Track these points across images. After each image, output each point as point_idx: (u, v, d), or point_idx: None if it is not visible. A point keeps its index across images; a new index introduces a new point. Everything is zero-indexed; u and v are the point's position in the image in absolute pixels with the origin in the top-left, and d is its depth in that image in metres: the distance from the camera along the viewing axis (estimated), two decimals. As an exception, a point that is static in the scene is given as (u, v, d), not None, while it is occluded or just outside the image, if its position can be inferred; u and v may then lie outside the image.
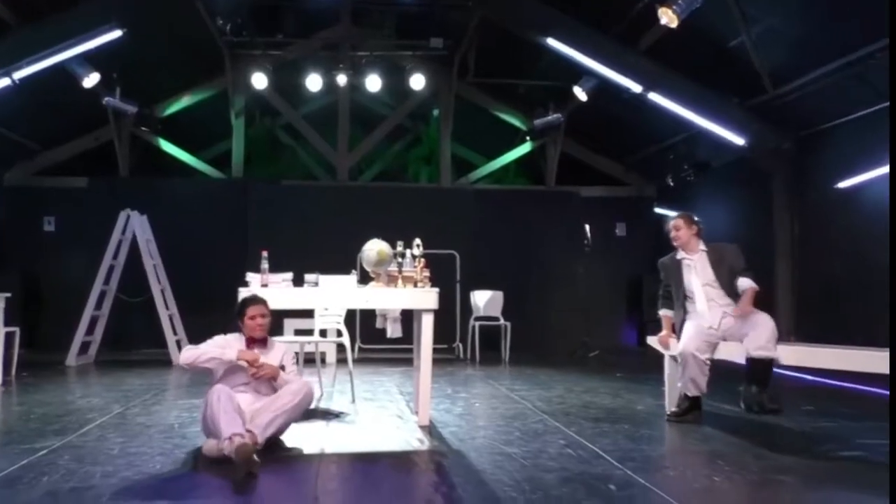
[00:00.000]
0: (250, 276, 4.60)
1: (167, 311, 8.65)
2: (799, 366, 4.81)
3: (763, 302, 4.71)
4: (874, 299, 6.89)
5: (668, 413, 4.74)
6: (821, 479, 3.28)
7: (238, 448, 3.22)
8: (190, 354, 3.83)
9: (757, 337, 4.31)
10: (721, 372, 4.63)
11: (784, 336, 4.58)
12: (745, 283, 4.59)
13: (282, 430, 3.73)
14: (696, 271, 4.75)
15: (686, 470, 3.47)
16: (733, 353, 4.51)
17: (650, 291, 10.19)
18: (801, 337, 6.77)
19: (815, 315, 7.86)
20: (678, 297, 4.82)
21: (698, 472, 3.42)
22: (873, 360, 3.98)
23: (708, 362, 4.50)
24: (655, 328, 5.08)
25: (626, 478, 3.23)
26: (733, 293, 4.62)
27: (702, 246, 4.84)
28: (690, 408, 4.65)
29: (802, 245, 8.27)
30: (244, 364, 3.82)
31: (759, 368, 4.32)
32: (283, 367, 3.98)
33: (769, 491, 3.11)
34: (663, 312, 4.96)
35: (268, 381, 3.89)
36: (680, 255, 4.88)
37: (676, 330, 4.81)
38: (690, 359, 4.48)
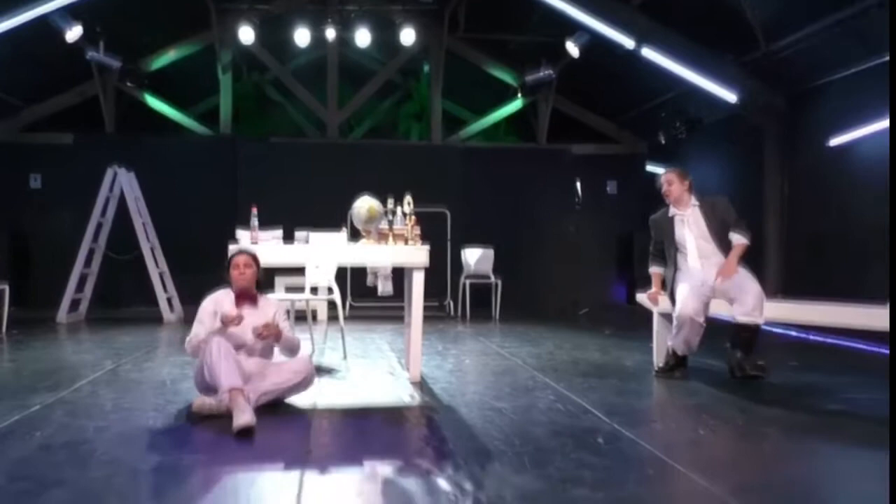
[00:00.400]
0: (240, 233, 4.59)
1: (157, 269, 8.64)
2: (787, 322, 4.88)
3: (752, 259, 4.73)
4: (863, 257, 6.94)
5: (656, 369, 4.80)
6: (804, 431, 3.34)
7: (234, 399, 3.26)
8: (191, 345, 3.77)
9: (744, 302, 4.32)
10: (708, 327, 4.67)
11: (772, 294, 4.60)
12: (736, 239, 4.57)
13: (276, 402, 3.74)
14: (689, 226, 4.73)
15: (672, 423, 3.53)
16: (720, 309, 4.55)
17: (641, 249, 10.22)
18: (789, 294, 6.82)
19: (804, 272, 7.92)
20: (670, 254, 4.81)
21: (684, 425, 3.48)
22: (859, 316, 4.04)
23: (704, 324, 4.48)
24: (645, 285, 5.10)
25: (614, 431, 3.29)
26: (726, 247, 4.61)
27: (694, 200, 4.80)
28: (677, 364, 4.72)
29: (792, 202, 8.29)
30: (227, 325, 3.71)
31: (745, 334, 4.36)
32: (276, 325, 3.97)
33: (753, 443, 3.18)
34: (653, 269, 4.97)
35: (266, 344, 3.89)
36: (672, 211, 4.85)
37: (666, 286, 4.82)
38: (688, 322, 4.45)
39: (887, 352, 5.57)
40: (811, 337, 6.73)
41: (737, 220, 4.66)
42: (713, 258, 4.61)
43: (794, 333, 7.00)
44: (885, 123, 6.56)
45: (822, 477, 2.83)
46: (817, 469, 2.90)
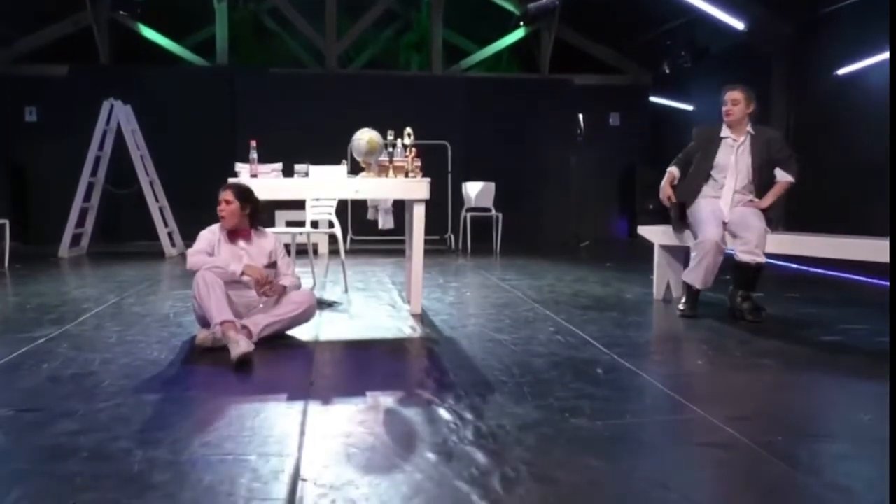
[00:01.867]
0: (239, 167, 4.53)
1: (157, 203, 8.60)
2: (787, 254, 4.87)
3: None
4: (871, 189, 6.88)
5: (679, 310, 4.51)
6: (801, 363, 3.37)
7: (226, 332, 3.29)
8: (196, 260, 3.69)
9: (746, 240, 4.23)
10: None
11: (776, 225, 4.54)
12: (782, 175, 4.40)
13: (278, 334, 3.74)
14: (738, 154, 4.45)
15: (670, 355, 3.56)
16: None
17: (643, 182, 10.18)
18: (790, 227, 6.79)
19: (807, 205, 7.88)
20: (700, 172, 4.54)
21: (682, 357, 3.51)
22: (860, 249, 4.03)
23: (724, 253, 4.32)
24: (646, 220, 5.03)
25: (613, 362, 3.32)
26: (762, 185, 4.44)
27: (749, 128, 4.49)
28: (696, 300, 4.45)
29: (799, 134, 8.17)
30: (248, 280, 3.70)
31: (748, 273, 4.27)
32: (274, 263, 3.95)
33: (750, 374, 3.21)
34: (671, 168, 4.68)
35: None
36: (725, 131, 4.52)
37: (677, 195, 4.59)
38: (713, 248, 4.24)
39: (887, 283, 5.58)
40: (811, 270, 6.74)
41: (789, 156, 4.45)
42: (744, 193, 4.44)
43: (794, 266, 7.01)
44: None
45: (817, 406, 2.87)
46: (813, 399, 2.94)
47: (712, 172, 4.53)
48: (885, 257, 3.70)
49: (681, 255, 4.94)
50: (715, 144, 4.53)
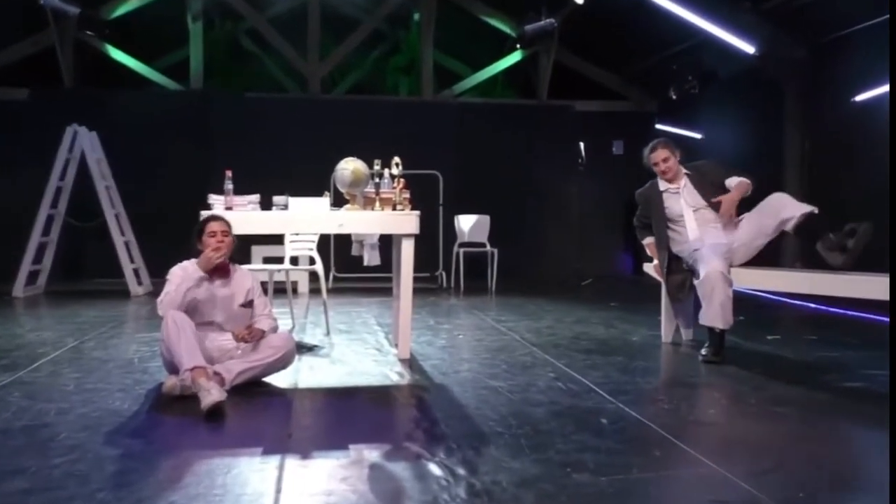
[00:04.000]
0: (213, 199, 4.54)
1: (122, 238, 8.58)
2: (806, 293, 4.89)
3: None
4: (888, 223, 6.94)
5: (701, 356, 4.47)
6: (820, 412, 3.37)
7: (196, 379, 3.27)
8: (170, 300, 3.66)
9: (778, 215, 4.29)
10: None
11: (790, 263, 4.59)
12: (734, 181, 4.62)
13: (253, 381, 3.72)
14: (685, 198, 4.74)
15: (681, 403, 3.55)
16: (742, 281, 4.53)
17: (648, 215, 10.27)
18: (808, 263, 6.83)
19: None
20: (658, 228, 4.84)
21: (694, 405, 3.50)
22: (882, 288, 4.05)
23: (732, 282, 4.35)
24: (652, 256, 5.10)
25: (619, 411, 3.31)
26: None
27: (684, 170, 4.83)
28: (721, 343, 4.41)
29: (813, 163, 8.28)
30: (221, 313, 3.77)
31: (812, 225, 4.25)
32: (250, 302, 3.95)
33: (767, 424, 3.20)
34: (647, 241, 5.01)
35: (241, 321, 3.88)
36: (663, 185, 4.85)
37: (661, 266, 4.87)
38: (721, 281, 4.27)
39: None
40: (831, 309, 6.77)
41: (728, 170, 4.71)
42: (716, 222, 4.64)
43: (812, 305, 7.05)
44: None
45: (840, 459, 2.85)
46: (835, 451, 2.93)
47: (670, 225, 4.79)
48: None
49: (691, 297, 4.96)
50: (659, 199, 4.84)
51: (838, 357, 4.67)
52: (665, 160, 4.78)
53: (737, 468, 2.50)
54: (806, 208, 4.27)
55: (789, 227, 4.30)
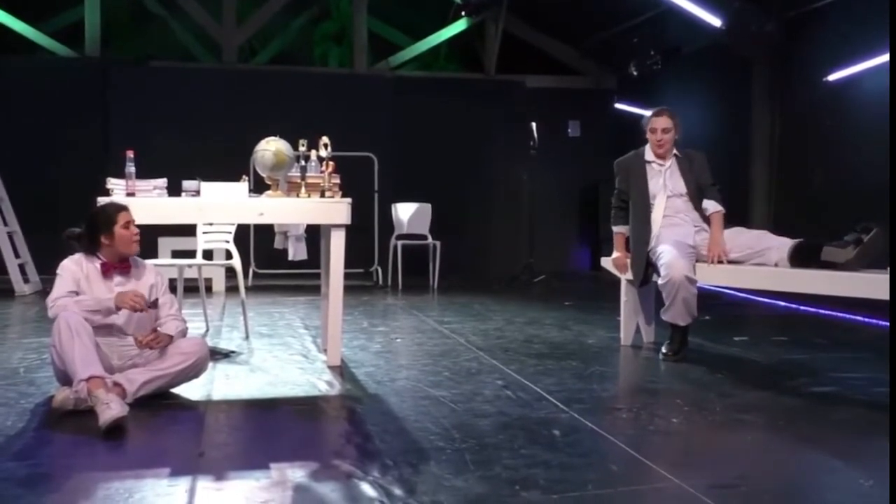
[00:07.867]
0: (113, 183, 4.44)
1: (5, 228, 8.37)
2: (775, 291, 5.04)
3: (736, 212, 4.85)
4: (866, 212, 7.16)
5: (662, 353, 4.69)
6: (789, 419, 3.48)
7: (93, 391, 3.20)
8: (62, 303, 3.57)
9: (769, 255, 4.44)
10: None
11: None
12: (711, 206, 4.71)
13: (160, 393, 3.66)
14: (666, 180, 4.82)
15: (641, 411, 3.62)
16: (706, 277, 4.64)
17: (607, 204, 10.40)
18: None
19: (795, 230, 8.17)
20: (640, 208, 4.86)
21: (654, 414, 3.58)
22: (856, 285, 4.19)
23: (696, 281, 4.53)
24: (611, 250, 5.17)
25: (573, 422, 3.36)
26: (699, 207, 4.77)
27: (675, 151, 4.90)
28: (683, 341, 4.68)
29: (783, 148, 8.51)
30: (123, 313, 3.66)
31: (807, 247, 4.38)
32: (155, 301, 3.87)
33: (733, 433, 3.30)
34: (618, 229, 5.06)
35: (145, 323, 3.81)
36: (649, 156, 4.91)
37: (631, 248, 4.92)
38: (683, 283, 4.46)
39: (886, 324, 5.84)
40: (801, 308, 6.99)
41: (711, 184, 4.81)
42: (689, 215, 4.75)
43: (781, 304, 7.27)
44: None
45: (810, 470, 2.96)
46: (804, 461, 3.03)
47: (651, 203, 4.85)
48: (884, 294, 3.84)
49: (652, 292, 5.07)
50: (642, 171, 4.90)
51: (807, 360, 4.84)
52: (665, 130, 4.82)
53: (699, 482, 2.57)
54: (790, 242, 4.42)
55: (781, 264, 4.43)
